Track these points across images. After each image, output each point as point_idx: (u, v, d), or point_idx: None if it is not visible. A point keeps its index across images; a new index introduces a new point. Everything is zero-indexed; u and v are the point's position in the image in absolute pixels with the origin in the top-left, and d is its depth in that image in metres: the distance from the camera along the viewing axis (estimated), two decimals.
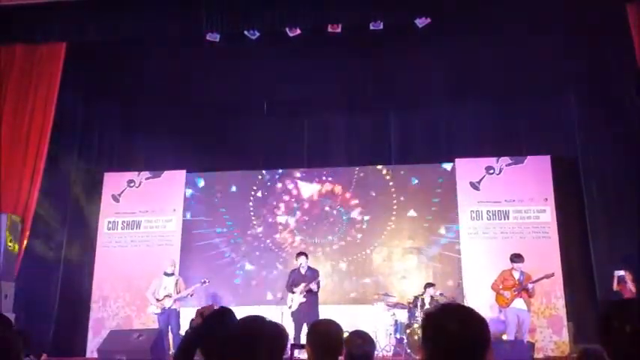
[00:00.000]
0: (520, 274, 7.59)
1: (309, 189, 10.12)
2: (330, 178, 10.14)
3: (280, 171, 10.27)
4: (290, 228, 10.00)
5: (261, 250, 9.94)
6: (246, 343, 1.61)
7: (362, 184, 10.03)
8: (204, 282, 8.39)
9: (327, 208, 10.00)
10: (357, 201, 9.97)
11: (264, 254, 9.91)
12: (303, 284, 7.85)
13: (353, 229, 9.87)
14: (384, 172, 10.06)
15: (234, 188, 10.27)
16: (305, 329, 7.03)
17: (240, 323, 1.78)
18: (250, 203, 10.17)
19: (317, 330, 2.72)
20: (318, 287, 7.96)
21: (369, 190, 9.99)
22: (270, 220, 10.07)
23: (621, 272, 7.67)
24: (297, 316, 7.73)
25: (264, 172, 10.27)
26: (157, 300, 8.08)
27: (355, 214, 9.94)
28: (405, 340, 8.06)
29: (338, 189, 10.06)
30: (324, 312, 7.74)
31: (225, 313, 2.47)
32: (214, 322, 2.37)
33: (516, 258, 7.64)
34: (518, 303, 7.56)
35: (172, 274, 8.31)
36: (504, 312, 7.63)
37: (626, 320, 1.62)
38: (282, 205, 10.11)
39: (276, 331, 1.70)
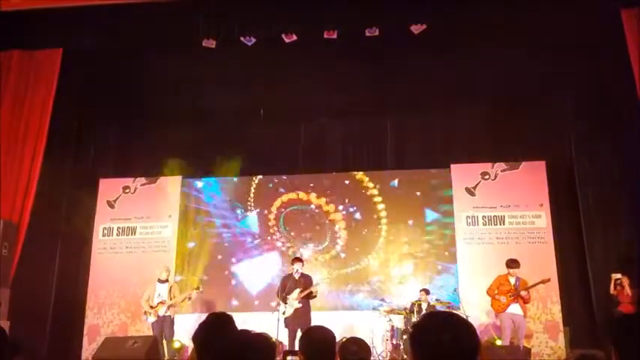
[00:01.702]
0: (516, 280, 7.58)
1: (304, 195, 10.10)
2: (325, 184, 10.13)
3: (276, 179, 10.25)
4: (286, 233, 9.98)
5: (256, 256, 9.91)
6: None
7: (358, 190, 10.03)
8: (199, 289, 8.34)
9: (323, 214, 9.98)
10: (353, 207, 9.96)
11: (260, 260, 9.88)
12: (298, 290, 7.81)
13: (349, 235, 9.85)
14: (381, 177, 10.06)
15: (229, 194, 10.25)
16: (299, 335, 7.00)
17: (229, 339, 1.78)
18: (246, 208, 10.15)
19: (309, 337, 2.72)
20: (316, 292, 7.94)
21: (365, 195, 9.99)
22: (265, 226, 10.04)
23: (618, 275, 7.70)
24: (292, 322, 7.68)
25: (260, 177, 10.25)
26: (151, 307, 8.00)
27: (351, 219, 9.92)
28: (402, 346, 8.06)
29: (334, 194, 10.05)
30: (321, 318, 7.69)
31: (219, 320, 2.48)
32: (210, 331, 2.38)
33: (512, 263, 7.64)
34: (514, 308, 7.54)
35: (166, 280, 8.23)
36: (500, 317, 7.62)
37: None
38: (277, 211, 10.08)
39: (264, 345, 1.69)
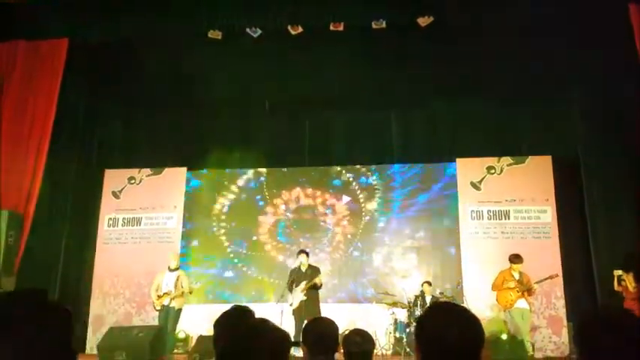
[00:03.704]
0: (519, 275, 7.57)
1: (309, 187, 10.10)
2: (330, 176, 10.14)
3: (278, 172, 10.27)
4: (290, 226, 9.99)
5: (261, 247, 9.94)
6: (249, 348, 1.61)
7: (362, 182, 10.03)
8: (198, 283, 8.32)
9: (326, 207, 9.99)
10: (358, 199, 9.96)
11: (264, 252, 9.91)
12: (304, 282, 7.83)
13: (352, 228, 9.86)
14: (385, 171, 10.06)
15: (234, 186, 10.27)
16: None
17: (245, 327, 1.78)
18: (251, 201, 10.17)
19: (312, 328, 2.72)
20: (321, 283, 7.94)
21: (370, 188, 9.99)
22: (270, 217, 10.06)
23: (620, 272, 7.68)
24: (298, 314, 7.70)
25: (263, 169, 10.27)
26: (158, 297, 7.96)
27: (355, 212, 9.92)
28: (405, 340, 8.07)
29: (338, 187, 10.06)
30: (324, 311, 7.73)
31: (240, 311, 2.51)
32: (231, 320, 2.41)
33: (515, 259, 7.61)
34: (522, 303, 7.53)
35: (176, 269, 8.13)
36: (508, 312, 7.58)
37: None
38: (282, 203, 10.10)
39: (279, 336, 1.70)
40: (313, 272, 7.93)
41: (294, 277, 7.96)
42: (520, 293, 7.49)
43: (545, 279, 7.60)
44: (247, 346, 1.61)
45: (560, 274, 8.51)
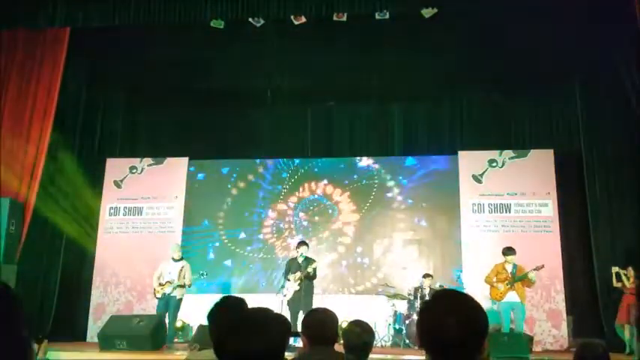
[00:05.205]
0: (512, 267, 7.55)
1: (309, 178, 10.10)
2: (331, 168, 10.13)
3: (285, 160, 10.26)
4: (290, 217, 10.00)
5: (261, 239, 9.96)
6: (250, 334, 1.61)
7: (364, 175, 10.02)
8: (202, 274, 8.34)
9: (327, 198, 9.99)
10: (358, 191, 9.95)
11: (263, 243, 9.93)
12: (298, 272, 7.85)
13: (354, 220, 9.87)
14: (386, 163, 10.05)
15: (234, 176, 10.27)
16: (301, 317, 7.03)
17: (246, 314, 1.78)
18: (251, 191, 10.18)
19: (312, 318, 2.73)
20: (315, 272, 7.94)
21: (370, 180, 9.98)
22: (270, 208, 10.07)
23: (617, 268, 7.67)
24: (292, 305, 7.74)
25: (265, 160, 10.27)
26: (160, 285, 7.99)
27: (356, 204, 9.92)
28: (404, 331, 8.10)
29: (339, 179, 10.05)
30: (324, 302, 7.74)
31: (233, 300, 2.52)
32: (225, 309, 2.42)
33: (508, 251, 7.59)
34: (512, 296, 7.50)
35: (180, 259, 8.16)
36: (498, 305, 7.59)
37: None
38: (281, 194, 10.10)
39: (280, 323, 1.70)
40: (308, 263, 7.94)
41: (290, 268, 7.99)
42: (510, 286, 7.47)
43: (529, 271, 7.50)
44: (248, 333, 1.61)
45: (560, 267, 8.52)
